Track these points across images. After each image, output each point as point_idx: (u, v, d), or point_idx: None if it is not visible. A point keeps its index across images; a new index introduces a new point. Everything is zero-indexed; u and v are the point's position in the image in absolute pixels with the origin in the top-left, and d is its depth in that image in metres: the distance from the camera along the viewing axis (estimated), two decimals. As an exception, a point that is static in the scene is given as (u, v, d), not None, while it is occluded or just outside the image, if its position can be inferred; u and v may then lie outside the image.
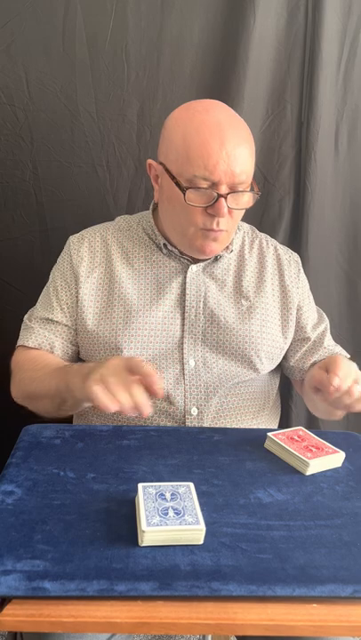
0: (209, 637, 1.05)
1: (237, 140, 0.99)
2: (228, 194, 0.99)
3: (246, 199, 1.04)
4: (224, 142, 0.97)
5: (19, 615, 0.57)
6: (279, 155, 1.48)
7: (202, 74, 1.42)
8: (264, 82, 1.43)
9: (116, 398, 0.78)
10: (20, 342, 1.14)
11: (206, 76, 1.42)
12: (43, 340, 1.11)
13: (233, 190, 1.00)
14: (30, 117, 1.41)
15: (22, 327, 1.16)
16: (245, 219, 1.25)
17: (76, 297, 1.12)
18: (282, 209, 1.51)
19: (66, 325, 1.13)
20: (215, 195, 0.99)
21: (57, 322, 1.12)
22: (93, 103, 1.42)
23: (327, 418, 1.21)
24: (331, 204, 1.50)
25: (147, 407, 0.80)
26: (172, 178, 1.02)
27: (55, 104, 1.41)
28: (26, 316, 1.18)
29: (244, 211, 1.07)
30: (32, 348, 1.11)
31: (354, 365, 0.99)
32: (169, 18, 1.38)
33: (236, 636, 0.98)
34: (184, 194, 1.00)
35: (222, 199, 0.99)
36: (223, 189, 0.99)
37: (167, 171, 1.03)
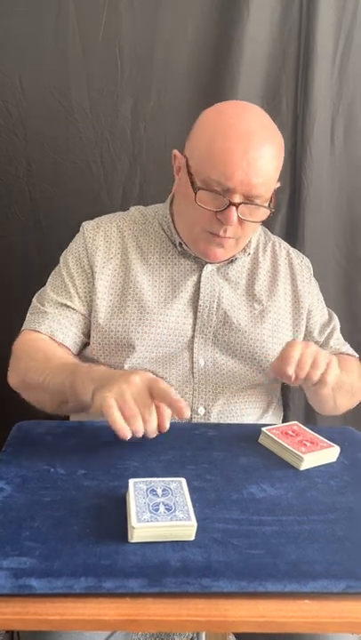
0: (203, 635, 1.04)
1: (263, 151, 0.97)
2: (240, 203, 0.97)
3: (261, 213, 1.02)
4: (248, 151, 0.95)
5: (5, 613, 0.56)
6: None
7: (196, 68, 1.41)
8: (259, 76, 1.42)
9: (131, 424, 0.75)
10: (29, 326, 1.08)
11: (200, 70, 1.41)
12: (57, 327, 1.07)
13: (247, 201, 0.98)
14: (24, 114, 1.41)
15: (31, 311, 1.11)
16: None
17: (92, 285, 1.09)
18: (278, 203, 1.49)
19: (82, 315, 1.10)
20: (227, 202, 0.97)
21: (74, 309, 1.09)
22: (87, 99, 1.41)
23: (323, 409, 1.18)
24: (327, 199, 1.49)
25: (154, 434, 0.79)
26: (190, 175, 1.01)
27: (49, 100, 1.40)
28: (35, 300, 1.13)
29: (258, 222, 1.05)
30: (42, 333, 1.06)
31: (313, 346, 0.95)
32: (162, 13, 1.37)
33: (234, 634, 0.97)
34: (195, 193, 0.98)
35: (233, 207, 0.97)
36: (237, 198, 0.97)
37: (188, 166, 1.02)
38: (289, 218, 1.51)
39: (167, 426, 0.80)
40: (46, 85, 1.39)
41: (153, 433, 0.79)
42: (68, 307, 1.09)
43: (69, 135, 1.43)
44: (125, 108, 1.42)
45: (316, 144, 1.43)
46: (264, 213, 1.03)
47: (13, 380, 1.04)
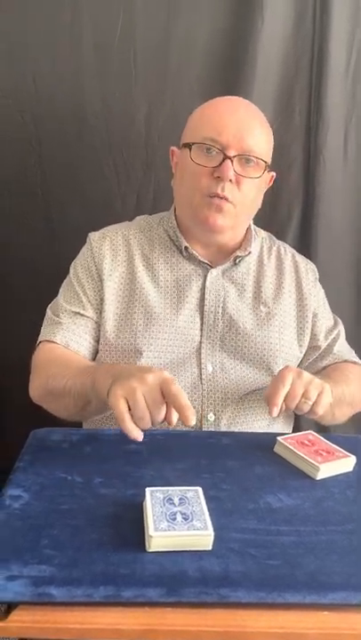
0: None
1: (251, 115, 1.05)
2: (235, 156, 1.01)
3: (256, 169, 1.05)
4: (236, 111, 1.04)
5: (25, 621, 0.56)
6: (288, 159, 1.47)
7: (209, 77, 1.42)
8: (272, 86, 1.43)
9: (139, 425, 0.77)
10: (45, 337, 1.09)
11: (214, 79, 1.42)
12: (72, 336, 1.08)
13: (241, 154, 1.02)
14: (38, 122, 1.42)
15: (46, 323, 1.12)
16: (254, 222, 1.24)
17: (102, 293, 1.10)
18: (291, 213, 1.50)
19: (96, 322, 1.11)
20: (222, 156, 1.01)
21: (88, 317, 1.10)
22: (101, 107, 1.43)
23: (321, 420, 1.18)
24: (340, 208, 1.49)
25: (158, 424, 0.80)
26: (185, 147, 1.06)
27: (63, 108, 1.41)
28: (49, 312, 1.14)
29: (255, 190, 1.07)
30: (58, 343, 1.07)
31: (305, 376, 0.94)
32: (176, 22, 1.38)
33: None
34: (190, 151, 1.02)
35: (228, 161, 1.00)
36: (231, 153, 1.01)
37: (182, 146, 1.07)
38: (302, 228, 1.51)
39: (174, 420, 0.79)
40: (61, 93, 1.40)
41: (157, 423, 0.79)
42: (82, 315, 1.10)
43: (83, 143, 1.44)
44: (139, 116, 1.43)
45: (330, 154, 1.44)
46: (259, 169, 1.05)
47: (36, 391, 1.05)
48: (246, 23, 1.37)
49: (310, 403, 0.93)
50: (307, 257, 1.28)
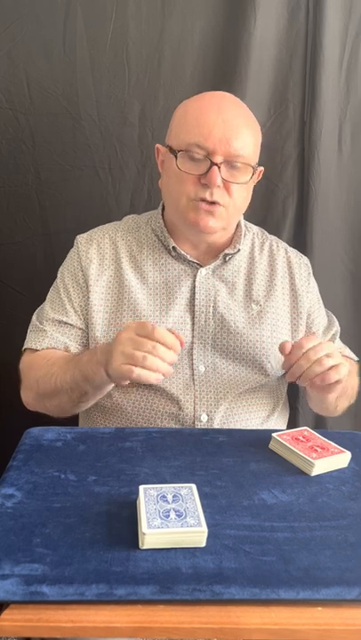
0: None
1: (236, 114, 1.02)
2: (222, 163, 0.99)
3: (244, 174, 1.03)
4: (221, 112, 0.99)
5: (17, 620, 0.56)
6: (282, 155, 1.46)
7: (203, 75, 1.41)
8: (266, 82, 1.42)
9: (153, 368, 0.84)
10: (29, 345, 1.10)
11: (208, 76, 1.41)
12: (56, 345, 1.08)
13: (228, 160, 0.99)
14: (32, 121, 1.41)
15: (31, 329, 1.13)
16: (249, 219, 1.24)
17: (87, 299, 1.10)
18: (286, 209, 1.49)
19: (80, 328, 1.10)
20: (208, 163, 0.98)
21: (71, 324, 1.10)
22: (95, 106, 1.41)
23: (322, 410, 1.19)
24: (335, 204, 1.49)
25: (178, 344, 0.86)
26: (170, 150, 1.03)
27: (56, 107, 1.40)
28: (34, 318, 1.14)
29: (245, 192, 1.05)
30: (40, 351, 1.08)
31: (330, 344, 0.96)
32: (169, 19, 1.37)
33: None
34: (176, 158, 1.00)
35: (215, 168, 0.98)
36: (218, 159, 0.98)
37: (168, 147, 1.04)
38: (297, 223, 1.50)
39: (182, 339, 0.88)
40: (54, 93, 1.39)
41: (176, 345, 0.86)
42: (66, 323, 1.10)
43: (77, 142, 1.43)
44: (133, 115, 1.42)
45: (324, 149, 1.43)
46: (247, 173, 1.03)
47: (28, 396, 1.07)
48: (239, 20, 1.36)
49: (332, 362, 0.92)
50: (302, 251, 1.27)
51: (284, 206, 1.49)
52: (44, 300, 1.16)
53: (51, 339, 1.08)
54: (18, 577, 0.58)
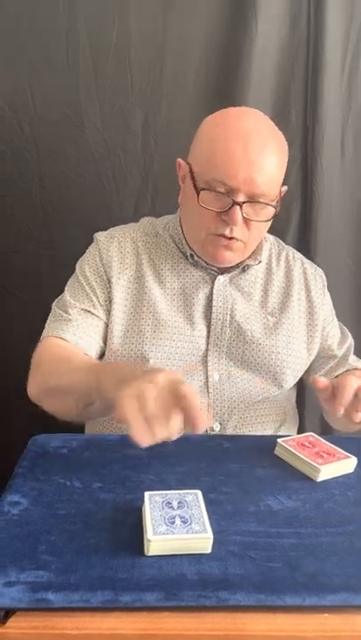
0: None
1: (264, 149, 0.96)
2: (244, 202, 0.96)
3: (266, 212, 1.00)
4: (249, 149, 0.94)
5: (23, 627, 0.56)
6: (285, 160, 1.47)
7: (205, 82, 1.42)
8: (268, 88, 1.43)
9: (151, 431, 0.67)
10: (52, 333, 1.04)
11: (210, 84, 1.42)
12: (82, 334, 1.04)
13: (250, 200, 0.96)
14: (36, 130, 1.43)
15: (53, 318, 1.08)
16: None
17: (110, 296, 1.08)
18: (289, 215, 1.50)
19: (105, 323, 1.08)
20: (230, 201, 0.96)
21: (97, 316, 1.07)
22: (98, 115, 1.43)
23: (347, 429, 1.16)
24: (338, 209, 1.49)
25: (175, 437, 0.70)
26: (193, 179, 1.00)
27: (60, 116, 1.42)
28: (56, 307, 1.10)
29: (266, 223, 1.04)
30: (67, 340, 1.03)
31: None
32: (171, 28, 1.38)
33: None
34: (198, 194, 0.98)
35: (237, 207, 0.95)
36: (240, 197, 0.95)
37: (191, 171, 1.02)
38: (301, 229, 1.50)
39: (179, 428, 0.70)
40: (58, 101, 1.41)
41: (172, 437, 0.70)
42: (93, 314, 1.07)
43: (81, 151, 1.44)
44: (136, 123, 1.43)
45: (327, 155, 1.43)
46: (269, 213, 1.01)
47: (35, 389, 0.99)
48: (241, 27, 1.37)
49: None
50: (306, 256, 1.26)
51: (288, 212, 1.49)
52: (50, 307, 1.14)
53: (77, 327, 1.04)
54: (24, 584, 0.58)
